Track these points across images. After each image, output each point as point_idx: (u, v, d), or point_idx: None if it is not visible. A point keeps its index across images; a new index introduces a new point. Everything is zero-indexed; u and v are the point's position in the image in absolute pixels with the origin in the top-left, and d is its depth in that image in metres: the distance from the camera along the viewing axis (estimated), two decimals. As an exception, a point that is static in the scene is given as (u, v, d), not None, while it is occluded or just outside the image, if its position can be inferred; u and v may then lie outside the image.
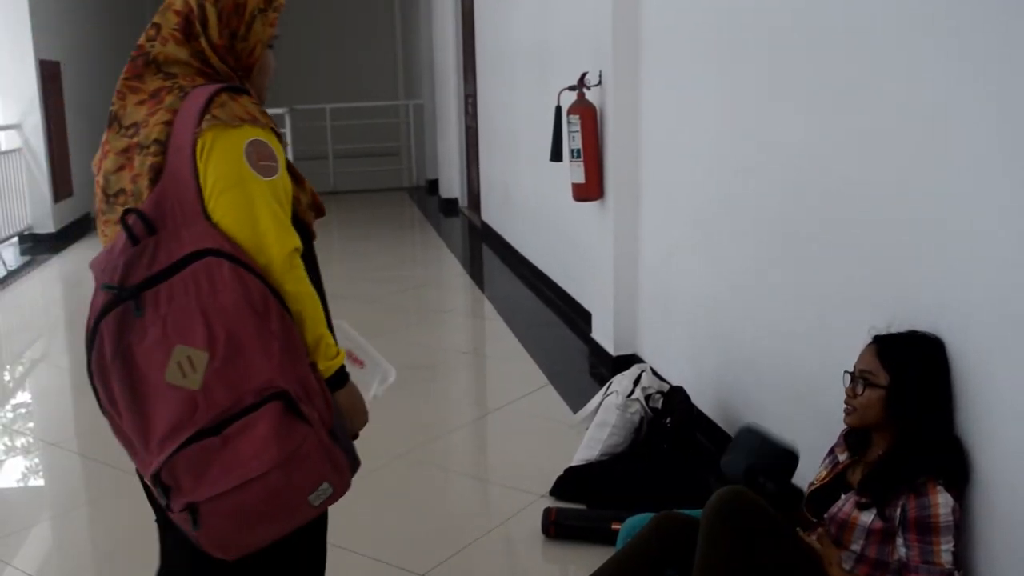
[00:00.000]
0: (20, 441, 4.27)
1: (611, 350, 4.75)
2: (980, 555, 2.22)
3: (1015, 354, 2.07)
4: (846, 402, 2.38)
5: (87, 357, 1.72)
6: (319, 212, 2.00)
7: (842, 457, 2.48)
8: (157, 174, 1.71)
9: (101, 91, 11.52)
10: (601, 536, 2.99)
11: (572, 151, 4.68)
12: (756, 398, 3.29)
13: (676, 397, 3.54)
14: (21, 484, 3.88)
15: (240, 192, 1.68)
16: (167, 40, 1.79)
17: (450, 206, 10.90)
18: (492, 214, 8.83)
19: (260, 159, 1.71)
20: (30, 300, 7.41)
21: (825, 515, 2.38)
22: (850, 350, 2.41)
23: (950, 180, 2.25)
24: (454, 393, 4.78)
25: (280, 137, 1.81)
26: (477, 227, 9.50)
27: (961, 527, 2.21)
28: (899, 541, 2.19)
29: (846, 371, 2.39)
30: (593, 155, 4.64)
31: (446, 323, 6.16)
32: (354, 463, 1.82)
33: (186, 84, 1.77)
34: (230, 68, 1.83)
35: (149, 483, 1.67)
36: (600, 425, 3.50)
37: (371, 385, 2.10)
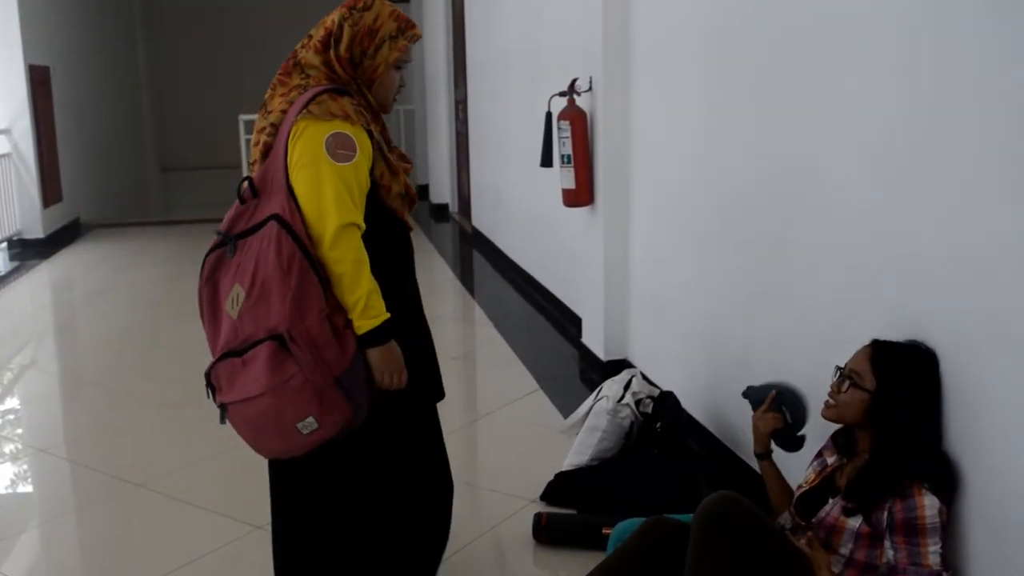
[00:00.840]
0: (9, 447, 4.24)
1: (601, 355, 4.75)
2: (970, 561, 2.23)
3: (1004, 363, 2.08)
4: (829, 396, 2.39)
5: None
6: (412, 202, 2.39)
7: (831, 460, 2.49)
8: (267, 150, 2.18)
9: (90, 96, 11.55)
10: (592, 541, 2.98)
11: (562, 157, 4.69)
12: (746, 403, 3.29)
13: (666, 402, 3.55)
14: (10, 490, 3.87)
15: (313, 170, 2.09)
16: (310, 48, 2.23)
17: (440, 211, 10.91)
18: (483, 220, 8.83)
19: (338, 148, 2.11)
20: (19, 306, 7.38)
21: (814, 519, 2.39)
22: (840, 355, 2.42)
23: (941, 189, 2.26)
24: (445, 398, 4.76)
25: (372, 135, 2.20)
26: (468, 232, 9.50)
27: (948, 530, 2.22)
28: (887, 544, 2.20)
29: (837, 366, 2.40)
30: (583, 161, 4.64)
31: (436, 328, 6.04)
32: (357, 412, 2.14)
33: (314, 84, 2.20)
34: (350, 77, 2.24)
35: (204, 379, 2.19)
36: (590, 430, 3.50)
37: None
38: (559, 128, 4.68)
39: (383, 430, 2.32)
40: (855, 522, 2.26)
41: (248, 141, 10.59)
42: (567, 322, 5.71)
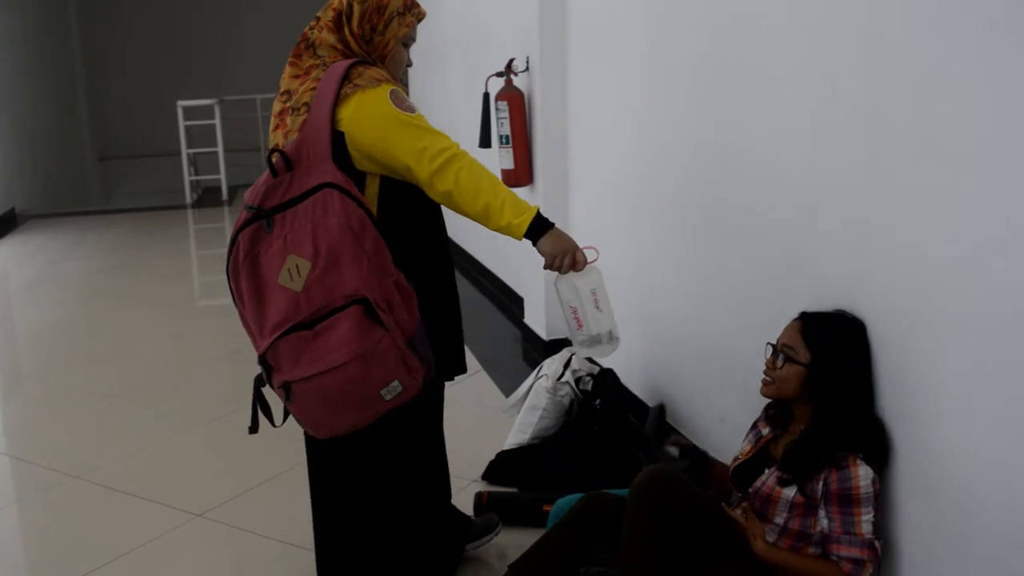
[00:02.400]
0: (-58, 442, 4.17)
1: (543, 335, 4.77)
2: (902, 528, 2.27)
3: (930, 334, 2.12)
4: (765, 373, 2.41)
5: (227, 261, 2.14)
6: None
7: (765, 431, 2.52)
8: (303, 127, 2.16)
9: (23, 83, 11.27)
10: (533, 518, 3.00)
11: (501, 137, 4.69)
12: (683, 377, 3.33)
13: (606, 379, 3.57)
14: (-56, 485, 3.80)
15: (401, 129, 2.14)
16: (323, 28, 2.26)
17: (385, 195, 10.84)
18: (426, 203, 8.78)
19: (402, 103, 2.18)
20: (-48, 299, 7.23)
21: (749, 489, 2.42)
22: (772, 328, 2.45)
23: (869, 165, 2.29)
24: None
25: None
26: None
27: (881, 499, 2.26)
28: (821, 513, 2.23)
29: (769, 343, 2.43)
30: (522, 141, 4.64)
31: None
32: (429, 370, 2.15)
33: (330, 63, 2.24)
34: (365, 53, 2.28)
35: (259, 362, 2.11)
36: (531, 409, 3.51)
37: (585, 346, 2.40)
38: (497, 109, 4.68)
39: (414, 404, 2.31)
40: (790, 492, 2.29)
41: (187, 128, 10.47)
42: (511, 303, 5.71)
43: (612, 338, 2.44)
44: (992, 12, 1.89)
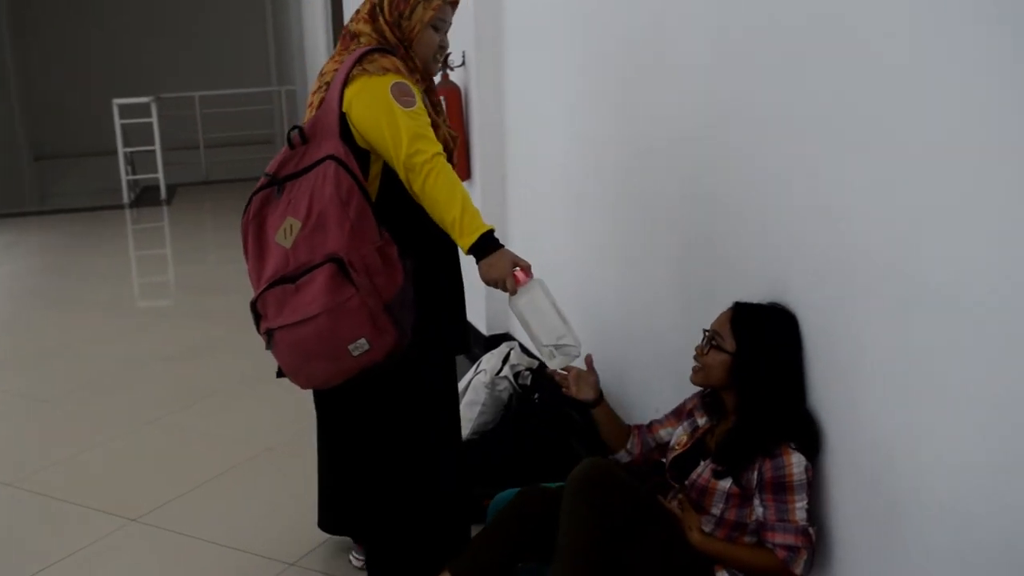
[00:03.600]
0: None
1: (484, 330, 4.76)
2: (834, 515, 2.30)
3: (858, 324, 2.15)
4: (695, 358, 2.44)
5: (242, 219, 2.35)
6: (449, 155, 2.48)
7: (701, 422, 2.54)
8: (321, 104, 2.34)
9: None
10: (472, 514, 2.99)
11: (438, 132, 4.66)
12: (620, 367, 3.34)
13: (544, 373, 3.57)
14: None
15: (389, 119, 2.26)
16: (360, 20, 2.44)
17: (327, 193, 10.74)
18: (368, 199, 8.73)
19: (402, 95, 2.28)
20: None
21: (686, 481, 2.44)
22: (706, 316, 2.47)
23: (801, 157, 2.31)
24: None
25: (429, 87, 2.46)
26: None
27: (814, 487, 2.29)
28: (756, 502, 2.26)
29: (704, 329, 2.44)
30: (459, 136, 4.62)
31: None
32: (402, 337, 2.29)
33: (354, 46, 2.41)
34: (397, 39, 2.41)
35: (250, 310, 2.34)
36: (470, 404, 3.51)
37: (547, 358, 2.47)
38: (433, 104, 4.65)
39: (416, 373, 2.51)
40: (725, 483, 2.31)
41: (124, 126, 10.29)
42: (452, 298, 5.69)
43: (566, 345, 2.45)
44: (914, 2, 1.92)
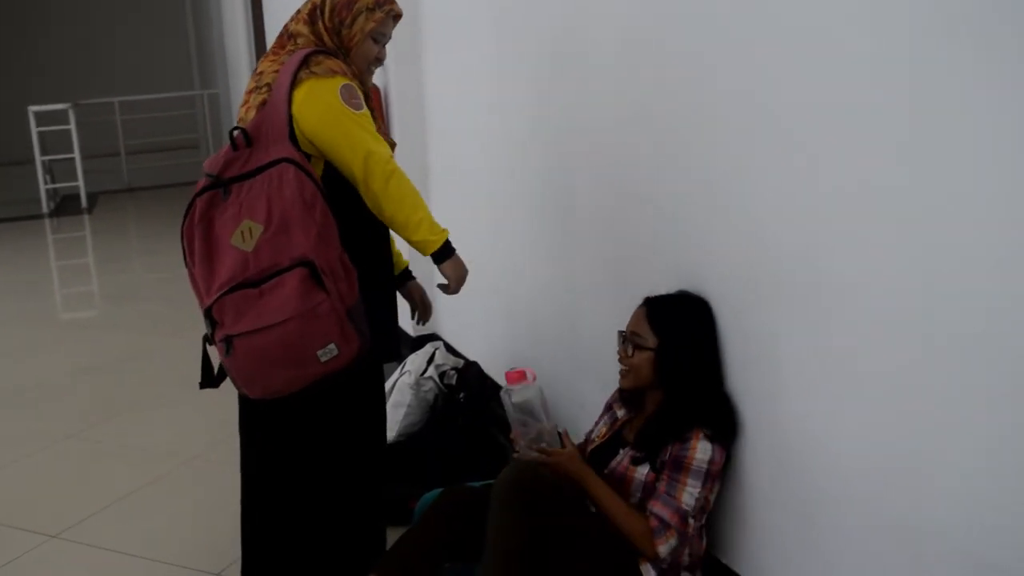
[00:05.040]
0: None
1: (410, 331, 4.74)
2: (745, 493, 2.35)
3: (773, 314, 2.19)
4: (620, 362, 2.45)
5: (182, 223, 2.26)
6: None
7: (620, 414, 2.56)
8: (262, 106, 2.31)
9: None
10: (399, 515, 2.98)
11: (359, 133, 4.63)
12: (544, 365, 3.35)
13: (470, 372, 3.57)
14: None
15: (342, 123, 2.25)
16: (299, 21, 2.41)
17: (253, 197, 10.60)
18: (294, 202, 8.64)
19: (351, 98, 2.28)
20: None
21: (605, 471, 2.45)
22: (628, 313, 2.49)
23: (718, 155, 2.34)
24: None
25: (365, 94, 2.40)
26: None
27: (730, 474, 2.32)
28: (658, 479, 2.30)
29: (619, 331, 2.46)
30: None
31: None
32: (364, 344, 2.26)
33: (293, 48, 2.39)
34: (335, 45, 2.40)
35: (203, 315, 2.24)
36: (395, 406, 3.49)
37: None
38: (353, 104, 4.62)
39: (351, 386, 2.46)
40: (643, 470, 2.34)
41: (40, 134, 10.06)
42: (379, 300, 5.66)
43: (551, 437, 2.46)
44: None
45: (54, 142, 10.41)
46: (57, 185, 10.55)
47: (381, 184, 2.28)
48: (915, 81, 1.72)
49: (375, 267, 2.51)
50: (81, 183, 10.16)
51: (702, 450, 2.24)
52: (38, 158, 10.06)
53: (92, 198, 10.37)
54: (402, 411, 3.47)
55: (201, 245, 2.25)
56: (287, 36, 2.44)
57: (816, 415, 2.09)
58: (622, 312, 2.51)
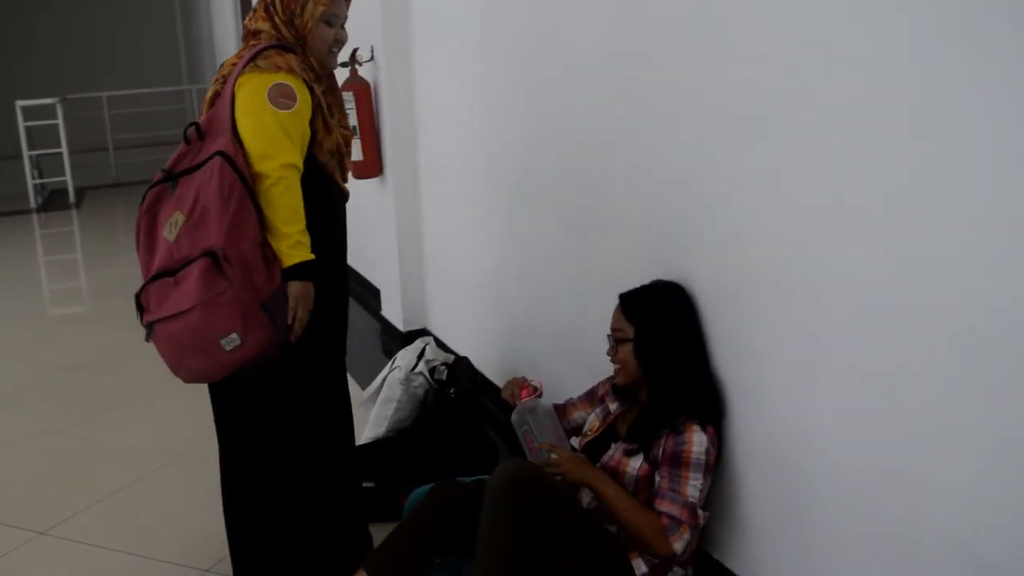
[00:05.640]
0: None
1: (400, 326, 4.74)
2: (741, 492, 2.35)
3: (762, 306, 2.19)
4: (611, 361, 2.45)
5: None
6: (344, 168, 2.58)
7: (612, 407, 2.56)
8: (215, 99, 2.38)
9: None
10: (389, 512, 2.97)
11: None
12: (535, 359, 3.35)
13: (460, 367, 3.57)
14: None
15: (258, 116, 2.29)
16: (257, 18, 2.45)
17: (242, 192, 10.57)
18: (283, 197, 8.62)
19: (279, 96, 2.31)
20: None
21: (598, 464, 2.45)
22: (609, 306, 2.48)
23: (700, 148, 2.34)
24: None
25: (313, 90, 2.40)
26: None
27: (718, 466, 2.32)
28: (657, 476, 2.28)
29: (608, 334, 2.46)
30: (370, 132, 4.59)
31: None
32: (276, 335, 2.30)
33: (255, 41, 2.44)
34: (293, 37, 2.44)
35: (135, 302, 2.35)
36: (385, 402, 3.49)
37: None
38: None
39: (301, 378, 2.53)
40: (636, 463, 2.34)
41: (27, 128, 10.02)
42: (367, 295, 5.65)
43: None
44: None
45: (42, 137, 10.37)
46: (45, 180, 10.51)
47: (267, 185, 2.29)
48: (905, 77, 1.72)
49: (328, 263, 2.51)
50: (69, 178, 10.13)
51: (698, 442, 2.24)
52: (25, 153, 10.01)
53: (80, 193, 10.34)
54: (392, 406, 3.46)
55: (145, 236, 2.36)
56: (251, 34, 2.48)
57: (806, 412, 2.08)
58: (609, 305, 2.50)
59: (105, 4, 14.78)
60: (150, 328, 2.33)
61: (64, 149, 10.01)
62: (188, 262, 2.23)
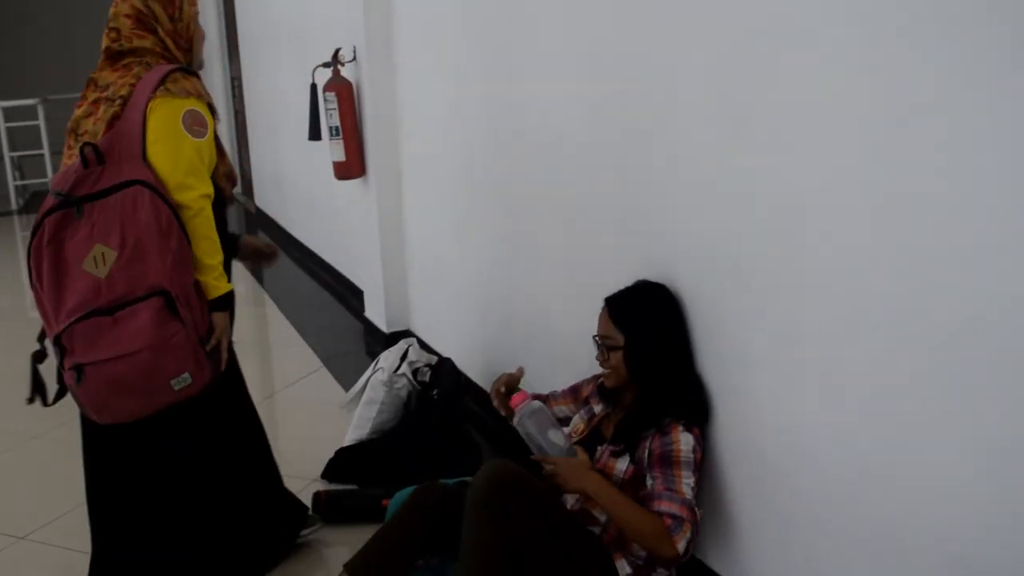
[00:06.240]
0: None
1: (384, 328, 4.72)
2: (726, 492, 2.35)
3: (740, 301, 2.19)
4: (601, 366, 2.44)
5: (29, 242, 2.21)
6: (233, 182, 2.55)
7: (597, 409, 2.55)
8: (114, 121, 2.27)
9: None
10: (372, 514, 2.96)
11: (331, 129, 4.60)
12: (518, 359, 3.33)
13: (443, 368, 3.55)
14: None
15: (174, 144, 2.25)
16: (131, 36, 2.35)
17: (224, 193, 10.52)
18: (265, 199, 8.61)
19: (193, 124, 2.29)
20: None
21: (586, 467, 2.44)
22: (597, 306, 2.48)
23: (688, 147, 2.33)
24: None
25: (214, 112, 2.41)
26: (252, 213, 9.24)
27: (704, 468, 2.32)
28: (647, 479, 2.27)
29: (593, 336, 2.45)
30: (352, 132, 4.57)
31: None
32: (215, 369, 2.33)
33: (151, 62, 2.36)
34: (180, 48, 2.42)
35: (51, 343, 2.22)
36: (368, 403, 3.47)
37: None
38: (325, 100, 4.59)
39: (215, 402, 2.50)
40: (622, 465, 2.33)
41: (8, 129, 9.94)
42: (352, 297, 5.64)
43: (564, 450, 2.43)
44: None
45: (23, 138, 10.29)
46: (26, 181, 10.45)
47: (190, 215, 2.28)
48: (886, 74, 1.72)
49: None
50: (51, 179, 10.03)
51: (685, 442, 2.23)
52: (7, 154, 9.96)
53: (62, 195, 10.22)
54: (375, 408, 3.45)
55: (50, 268, 2.21)
56: (114, 54, 2.40)
57: (794, 414, 2.08)
58: (594, 304, 2.49)
59: (87, 6, 14.67)
60: (79, 371, 2.21)
61: (46, 150, 9.95)
62: (131, 301, 2.18)
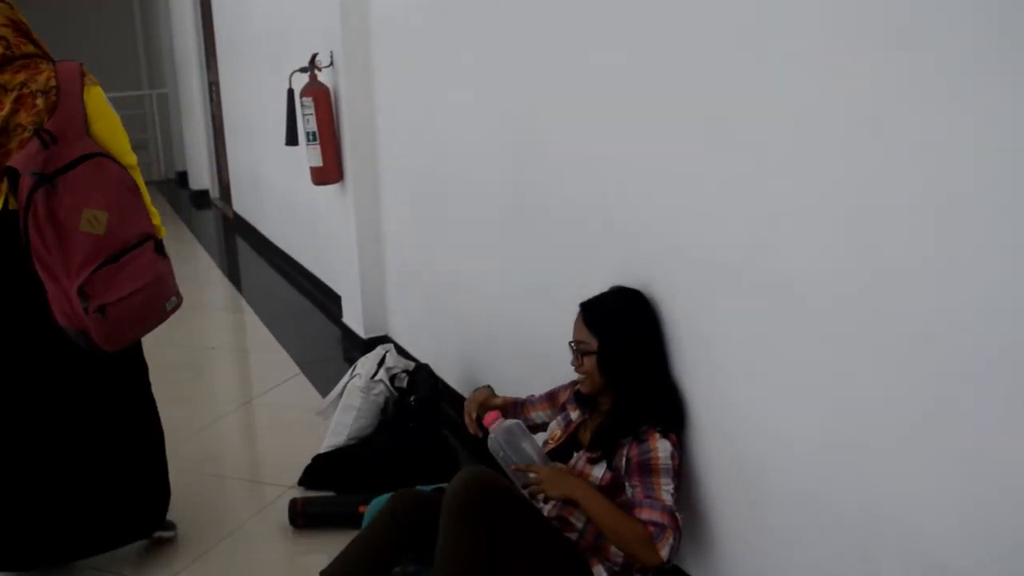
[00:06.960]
0: None
1: (362, 333, 4.71)
2: (702, 498, 2.36)
3: (722, 319, 2.19)
4: (576, 371, 2.44)
5: (22, 221, 2.49)
6: None
7: (574, 416, 2.55)
8: (55, 108, 2.55)
9: None
10: (349, 521, 2.95)
11: (308, 134, 4.59)
12: (495, 365, 3.34)
13: (420, 374, 3.55)
14: None
15: (110, 121, 2.65)
16: (19, 45, 2.63)
17: (201, 198, 10.49)
18: (243, 204, 8.57)
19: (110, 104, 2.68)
20: None
21: (560, 473, 2.44)
22: (574, 311, 2.48)
23: (666, 158, 2.33)
24: (199, 393, 4.58)
25: None
26: (230, 218, 9.20)
27: (681, 474, 2.32)
28: (626, 487, 2.27)
29: (569, 342, 2.45)
30: (329, 137, 4.56)
31: (197, 319, 5.86)
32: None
33: (42, 60, 2.65)
34: (42, 49, 2.70)
35: (74, 294, 2.49)
36: (345, 409, 3.46)
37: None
38: (302, 105, 4.57)
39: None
40: (599, 471, 2.33)
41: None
42: (329, 302, 5.62)
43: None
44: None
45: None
46: (2, 186, 10.33)
47: (136, 174, 2.68)
48: (862, 82, 1.73)
49: None
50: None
51: (663, 448, 2.24)
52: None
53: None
54: (352, 414, 3.44)
55: (52, 235, 2.52)
56: (19, 56, 2.63)
57: (768, 419, 2.09)
58: (569, 309, 2.50)
59: (65, 8, 14.62)
60: (103, 310, 2.54)
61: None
62: (129, 248, 2.59)
